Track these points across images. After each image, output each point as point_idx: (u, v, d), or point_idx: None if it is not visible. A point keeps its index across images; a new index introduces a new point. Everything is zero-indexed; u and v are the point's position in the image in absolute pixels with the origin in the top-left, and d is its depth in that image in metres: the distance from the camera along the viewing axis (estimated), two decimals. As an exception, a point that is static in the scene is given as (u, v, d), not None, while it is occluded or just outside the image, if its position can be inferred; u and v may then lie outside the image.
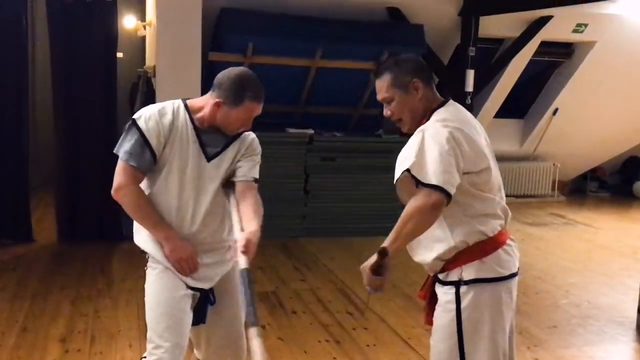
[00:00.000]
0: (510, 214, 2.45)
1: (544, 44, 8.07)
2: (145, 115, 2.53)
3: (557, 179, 9.68)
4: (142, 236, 2.62)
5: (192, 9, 6.24)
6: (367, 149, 7.08)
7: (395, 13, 7.26)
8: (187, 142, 2.56)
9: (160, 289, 2.58)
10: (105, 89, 6.35)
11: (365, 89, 7.11)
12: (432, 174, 2.19)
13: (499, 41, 8.20)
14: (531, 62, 8.27)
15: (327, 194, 6.99)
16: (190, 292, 2.61)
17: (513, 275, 2.39)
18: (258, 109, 2.56)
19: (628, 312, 4.95)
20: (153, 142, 2.51)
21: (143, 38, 8.70)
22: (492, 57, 8.18)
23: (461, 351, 2.32)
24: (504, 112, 8.99)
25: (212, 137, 2.58)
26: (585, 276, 5.93)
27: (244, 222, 2.48)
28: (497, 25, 7.64)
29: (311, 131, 6.91)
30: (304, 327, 4.45)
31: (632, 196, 10.29)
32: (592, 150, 9.72)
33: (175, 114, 2.55)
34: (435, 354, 2.42)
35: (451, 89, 7.67)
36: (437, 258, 2.36)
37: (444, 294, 2.37)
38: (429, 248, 2.38)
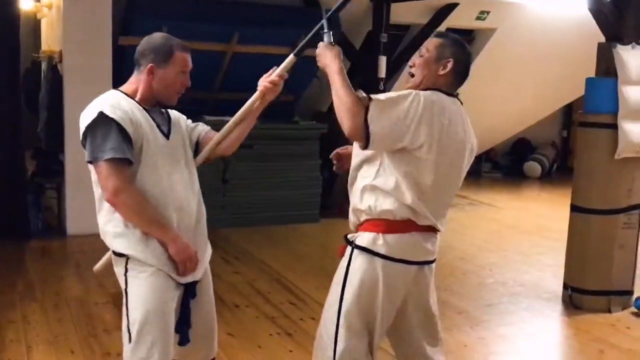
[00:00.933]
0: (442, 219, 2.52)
1: (448, 30, 8.29)
2: (107, 107, 2.34)
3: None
4: (126, 240, 2.41)
5: (102, -11, 5.93)
6: (284, 136, 7.01)
7: (309, -2, 7.22)
8: (146, 126, 2.43)
9: (150, 294, 2.40)
10: (8, 75, 5.88)
11: (280, 75, 7.01)
12: (384, 106, 2.32)
13: (405, 27, 8.35)
14: (435, 49, 8.47)
15: (246, 182, 6.86)
16: (178, 291, 2.48)
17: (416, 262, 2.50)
18: (189, 59, 2.50)
19: (551, 287, 5.23)
20: (130, 130, 2.35)
21: (36, 20, 8.13)
22: (398, 44, 8.33)
23: (338, 314, 2.57)
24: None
25: (158, 116, 2.51)
26: (502, 255, 6.19)
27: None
28: (407, 12, 7.76)
29: (228, 118, 6.72)
30: (251, 321, 4.36)
31: (523, 176, 10.87)
32: (488, 134, 10.14)
33: (124, 102, 2.41)
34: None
35: (364, 75, 7.73)
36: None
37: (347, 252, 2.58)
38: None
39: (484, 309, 4.75)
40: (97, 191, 2.44)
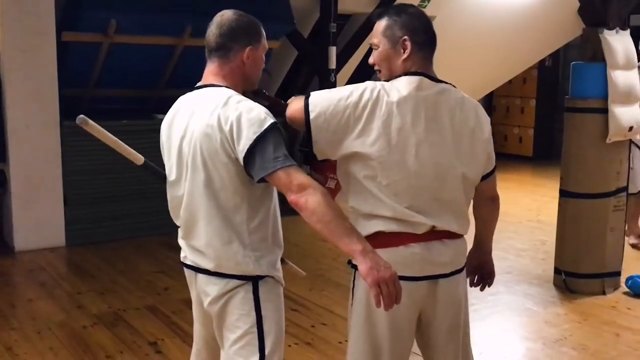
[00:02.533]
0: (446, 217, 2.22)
1: (388, 19, 8.22)
2: (267, 112, 2.09)
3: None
4: (265, 261, 2.19)
5: (43, -19, 5.39)
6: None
7: (256, -12, 6.91)
8: None
9: (281, 316, 2.28)
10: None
11: (231, 68, 6.69)
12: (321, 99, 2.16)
13: (346, 17, 8.20)
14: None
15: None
16: None
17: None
18: None
19: (536, 272, 5.29)
20: None
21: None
22: (339, 34, 8.17)
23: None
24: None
25: None
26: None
27: None
28: (351, 1, 7.61)
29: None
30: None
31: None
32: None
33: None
34: None
35: (314, 66, 7.53)
36: None
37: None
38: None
39: (486, 300, 4.69)
40: (237, 217, 2.15)
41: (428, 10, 8.21)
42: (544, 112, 11.08)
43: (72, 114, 6.39)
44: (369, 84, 2.16)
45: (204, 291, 2.25)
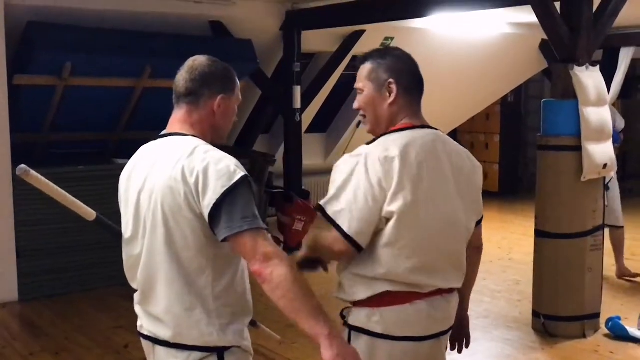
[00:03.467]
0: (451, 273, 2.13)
1: (353, 57, 8.14)
2: (237, 164, 1.90)
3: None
4: (232, 329, 1.96)
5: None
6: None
7: (218, 27, 6.76)
8: None
9: None
10: None
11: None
12: (343, 215, 2.01)
13: (309, 56, 8.10)
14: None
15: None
16: None
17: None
18: None
19: (513, 315, 5.13)
20: None
21: None
22: (303, 73, 8.05)
23: None
24: (310, 127, 8.92)
25: None
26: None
27: None
28: (315, 40, 7.52)
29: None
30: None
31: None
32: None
33: None
34: None
35: (278, 105, 7.38)
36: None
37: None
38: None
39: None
40: (201, 280, 1.93)
41: (392, 48, 8.16)
42: (509, 148, 11.08)
43: (25, 160, 6.10)
44: (360, 159, 2.02)
45: None
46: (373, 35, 7.78)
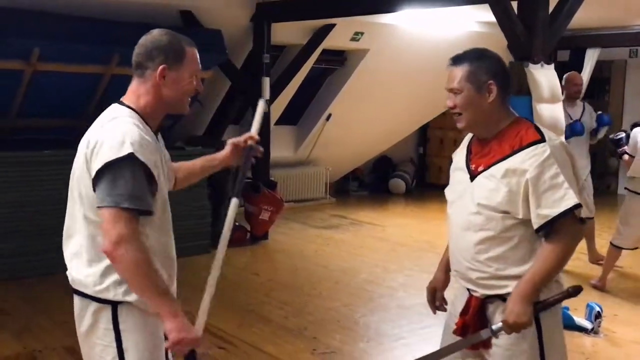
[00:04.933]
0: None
1: (322, 51, 8.25)
2: (136, 145, 1.98)
3: (328, 182, 10.00)
4: (117, 283, 2.08)
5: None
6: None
7: (188, 17, 6.82)
8: (159, 163, 2.13)
9: (152, 344, 2.13)
10: None
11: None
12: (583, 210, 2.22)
13: (280, 48, 8.19)
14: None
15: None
16: None
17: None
18: (198, 56, 2.21)
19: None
20: (155, 174, 2.03)
21: None
22: (273, 64, 8.14)
23: None
24: (280, 119, 9.01)
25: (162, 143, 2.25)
26: (409, 275, 6.14)
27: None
28: (285, 32, 7.60)
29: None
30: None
31: (389, 192, 11.05)
32: (357, 153, 10.23)
33: (144, 135, 2.06)
34: None
35: (247, 96, 7.46)
36: (515, 277, 2.23)
37: None
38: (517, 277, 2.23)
39: (421, 333, 4.63)
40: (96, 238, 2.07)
41: (361, 44, 8.30)
42: (477, 144, 11.27)
43: (-10, 145, 6.10)
44: (550, 155, 2.20)
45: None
46: (343, 29, 7.90)
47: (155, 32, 2.16)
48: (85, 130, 2.17)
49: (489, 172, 2.27)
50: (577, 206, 2.15)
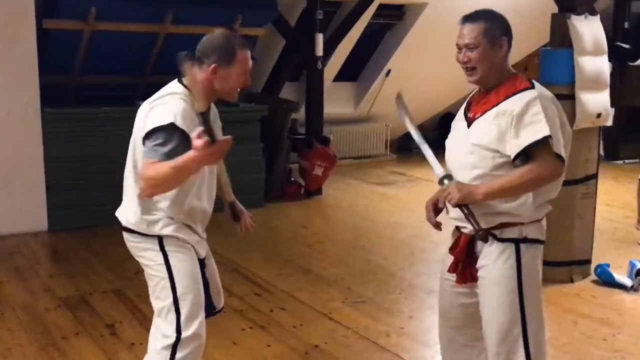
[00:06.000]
0: None
1: (379, 6, 8.20)
2: (177, 114, 2.46)
3: (389, 139, 10.01)
4: (160, 223, 2.59)
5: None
6: (224, 119, 6.66)
7: (242, -25, 6.93)
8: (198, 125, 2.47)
9: (189, 270, 2.63)
10: None
11: (216, 56, 6.73)
12: (561, 147, 2.39)
13: (337, 4, 8.19)
14: (367, 25, 8.38)
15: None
16: None
17: None
18: (249, 58, 2.60)
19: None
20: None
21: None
22: (330, 21, 8.17)
23: (521, 304, 2.43)
24: (339, 75, 9.05)
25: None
26: (453, 230, 6.16)
27: None
28: (341, -12, 7.61)
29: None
30: (220, 316, 4.12)
31: (452, 150, 10.95)
32: (419, 109, 10.12)
33: (189, 111, 2.51)
34: (492, 309, 2.47)
35: (301, 53, 7.54)
36: (508, 213, 2.41)
37: (501, 251, 2.44)
38: (502, 213, 2.42)
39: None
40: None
41: (419, -3, 8.19)
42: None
43: (55, 101, 6.50)
44: (539, 103, 2.40)
45: None
46: (399, -15, 7.83)
47: (217, 33, 2.56)
48: (144, 87, 2.51)
49: (484, 117, 2.47)
50: (548, 137, 2.33)
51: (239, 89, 2.57)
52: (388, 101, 9.50)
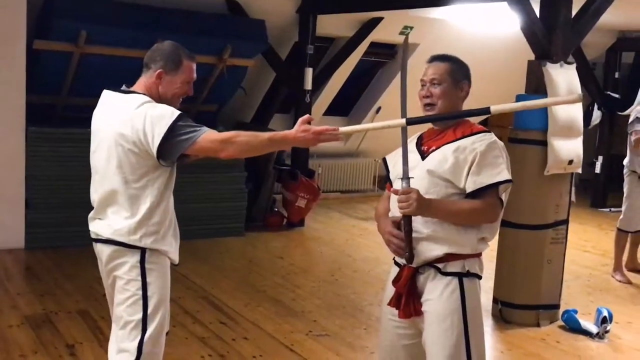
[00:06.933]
0: None
1: (371, 44, 8.32)
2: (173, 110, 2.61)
3: (377, 175, 10.07)
4: (153, 236, 2.68)
5: (16, -9, 5.57)
6: (208, 147, 6.78)
7: (234, 6, 7.04)
8: None
9: (162, 290, 2.70)
10: None
11: (205, 84, 6.82)
12: (505, 193, 2.54)
13: (329, 40, 8.31)
14: (358, 62, 8.49)
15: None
16: None
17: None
18: (194, 69, 2.74)
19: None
20: None
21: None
22: (322, 56, 8.29)
23: (466, 338, 2.47)
24: (330, 110, 9.14)
25: None
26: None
27: None
28: (332, 25, 7.73)
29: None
30: (181, 342, 4.14)
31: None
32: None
33: None
34: (439, 343, 2.48)
35: (290, 87, 7.64)
36: (455, 241, 2.48)
37: (446, 285, 2.48)
38: (451, 241, 2.48)
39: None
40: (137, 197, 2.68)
41: (411, 38, 8.29)
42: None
43: (41, 121, 6.55)
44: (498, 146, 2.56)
45: None
46: (391, 23, 7.95)
47: (166, 43, 2.75)
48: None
49: (441, 150, 2.56)
50: (508, 181, 2.48)
51: (181, 98, 2.71)
52: (377, 137, 9.64)
